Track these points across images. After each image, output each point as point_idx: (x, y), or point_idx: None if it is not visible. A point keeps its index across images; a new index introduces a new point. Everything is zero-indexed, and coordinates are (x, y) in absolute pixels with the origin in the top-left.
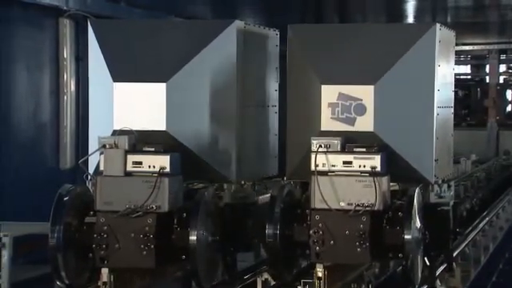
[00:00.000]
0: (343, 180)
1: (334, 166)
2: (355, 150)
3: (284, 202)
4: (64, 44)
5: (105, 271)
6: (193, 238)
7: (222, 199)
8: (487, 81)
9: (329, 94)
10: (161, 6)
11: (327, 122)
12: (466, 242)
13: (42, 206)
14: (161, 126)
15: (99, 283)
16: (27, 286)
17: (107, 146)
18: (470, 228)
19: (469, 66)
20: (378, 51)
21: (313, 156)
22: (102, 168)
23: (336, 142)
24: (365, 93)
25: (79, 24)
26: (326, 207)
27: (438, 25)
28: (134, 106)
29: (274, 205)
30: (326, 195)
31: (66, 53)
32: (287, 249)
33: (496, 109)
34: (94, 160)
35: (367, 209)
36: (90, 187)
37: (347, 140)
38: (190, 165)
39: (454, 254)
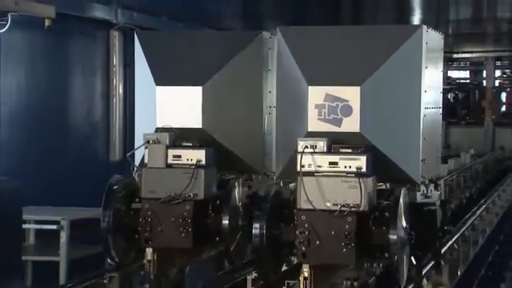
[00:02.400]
0: (329, 181)
1: (320, 166)
2: (341, 150)
3: (271, 202)
4: (114, 53)
5: (149, 251)
6: (225, 222)
7: (251, 188)
8: (484, 84)
9: (316, 95)
10: (197, 19)
11: (314, 123)
12: (466, 226)
13: (94, 194)
14: (197, 123)
15: (144, 261)
16: (82, 262)
17: (151, 142)
18: (470, 214)
19: (468, 72)
20: (364, 53)
21: (298, 157)
22: (146, 161)
23: (322, 143)
24: (351, 94)
25: (127, 35)
26: (312, 208)
27: (424, 27)
28: (174, 106)
29: (260, 205)
30: (312, 196)
31: (116, 60)
32: (274, 249)
33: (492, 109)
34: (139, 154)
35: (353, 209)
36: (136, 177)
37: (334, 141)
38: (222, 158)
39: (449, 245)
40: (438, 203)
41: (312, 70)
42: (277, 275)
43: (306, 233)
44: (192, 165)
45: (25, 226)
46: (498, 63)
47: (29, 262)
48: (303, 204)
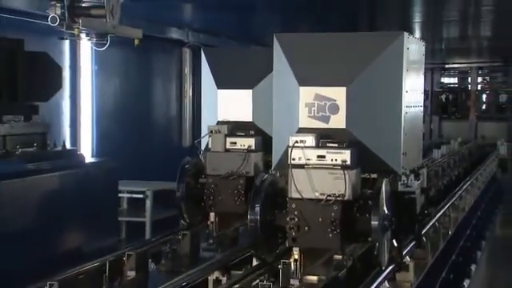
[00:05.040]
0: (317, 172)
1: (309, 159)
2: (328, 145)
3: (266, 191)
4: (185, 64)
5: (212, 214)
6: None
7: None
8: (469, 88)
9: (306, 94)
10: (247, 38)
11: (305, 120)
12: (455, 198)
13: (171, 171)
14: (248, 118)
15: (208, 222)
16: (162, 222)
17: (213, 132)
18: (457, 188)
19: (456, 78)
20: (351, 57)
21: (289, 150)
22: (210, 146)
23: (311, 139)
24: (338, 94)
25: (195, 51)
26: (301, 197)
27: (405, 34)
28: (230, 104)
29: (255, 193)
30: (302, 186)
31: (186, 70)
32: (268, 233)
33: (475, 107)
34: (204, 141)
35: (338, 199)
36: (202, 159)
37: (322, 136)
38: (267, 145)
39: (439, 216)
40: (418, 191)
41: (303, 72)
42: (271, 256)
43: (296, 219)
44: (245, 149)
45: (120, 195)
46: (480, 72)
47: (123, 222)
48: (293, 193)
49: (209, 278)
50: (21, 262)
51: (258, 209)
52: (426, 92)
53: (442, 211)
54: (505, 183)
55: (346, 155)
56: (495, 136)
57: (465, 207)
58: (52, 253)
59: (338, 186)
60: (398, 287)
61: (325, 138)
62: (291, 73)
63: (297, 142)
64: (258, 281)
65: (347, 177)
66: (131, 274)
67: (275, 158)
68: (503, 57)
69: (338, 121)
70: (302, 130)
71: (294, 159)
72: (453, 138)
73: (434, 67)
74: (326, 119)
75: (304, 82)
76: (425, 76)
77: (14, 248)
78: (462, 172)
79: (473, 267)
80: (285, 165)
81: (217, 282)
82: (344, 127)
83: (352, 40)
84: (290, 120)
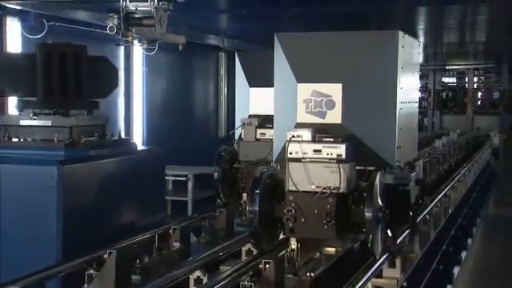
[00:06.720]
0: (313, 166)
1: (305, 153)
2: (324, 139)
3: (265, 183)
4: (221, 66)
5: (245, 195)
6: None
7: None
8: (466, 86)
9: (304, 91)
10: (273, 43)
11: (302, 116)
12: (454, 181)
13: (209, 157)
14: None
15: (241, 201)
16: (201, 201)
17: (245, 124)
18: (456, 173)
19: (455, 78)
20: (347, 54)
21: (287, 144)
22: (242, 136)
23: (307, 133)
24: (334, 90)
25: (230, 55)
26: (298, 189)
27: (400, 33)
28: (260, 101)
29: (255, 184)
30: (298, 179)
31: (222, 71)
32: (266, 223)
33: (471, 103)
34: (237, 132)
35: (333, 191)
36: (235, 147)
37: (318, 131)
38: None
39: (440, 197)
40: (412, 183)
41: (301, 70)
42: (269, 246)
43: (293, 211)
44: (272, 139)
45: (166, 177)
46: (476, 72)
47: (168, 201)
48: (290, 186)
49: (242, 248)
50: (86, 234)
51: (257, 200)
52: (428, 90)
53: (443, 193)
54: (497, 169)
55: (341, 149)
56: (489, 128)
57: (462, 189)
58: (110, 226)
59: (334, 179)
60: (404, 258)
61: (321, 132)
62: (290, 70)
63: (294, 136)
64: (284, 252)
65: (342, 170)
66: (176, 244)
67: (275, 151)
68: (496, 59)
69: (334, 116)
70: (299, 125)
71: (291, 153)
72: (452, 130)
73: (435, 68)
74: (323, 115)
75: (302, 78)
76: (427, 76)
77: (81, 221)
78: (460, 159)
79: (469, 241)
80: (284, 158)
81: (249, 252)
82: (340, 122)
83: (349, 38)
84: (288, 115)
